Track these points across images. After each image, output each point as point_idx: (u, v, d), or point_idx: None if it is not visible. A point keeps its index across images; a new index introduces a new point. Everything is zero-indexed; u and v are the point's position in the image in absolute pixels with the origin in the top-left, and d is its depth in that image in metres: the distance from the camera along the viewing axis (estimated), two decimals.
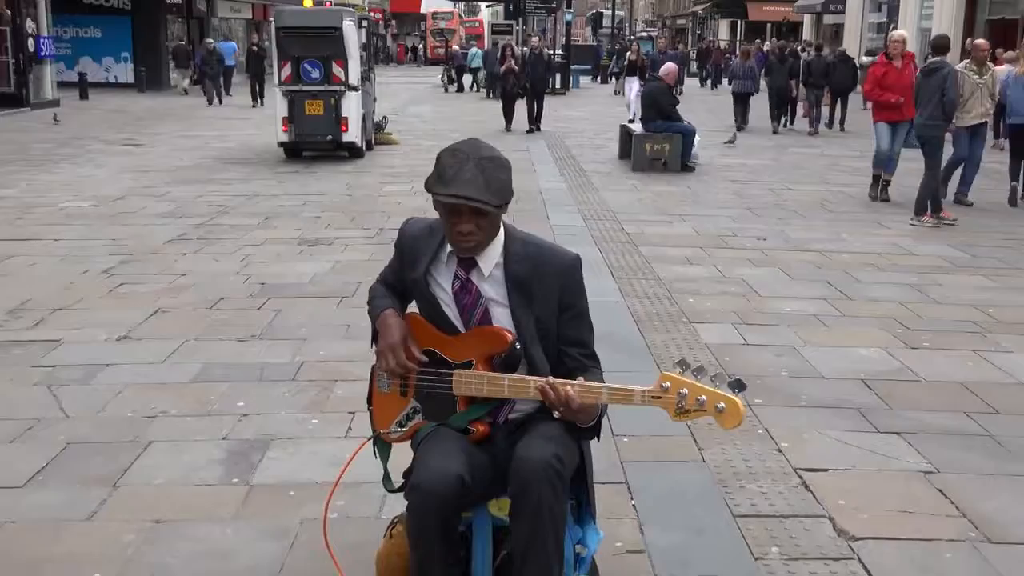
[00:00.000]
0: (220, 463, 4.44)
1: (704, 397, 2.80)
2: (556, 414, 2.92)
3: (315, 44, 15.28)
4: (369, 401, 3.29)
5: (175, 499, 4.09)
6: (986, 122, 12.29)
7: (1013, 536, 3.89)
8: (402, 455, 3.15)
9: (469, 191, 2.83)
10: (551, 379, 2.89)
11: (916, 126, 11.44)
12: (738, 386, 2.79)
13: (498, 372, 2.98)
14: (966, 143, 11.83)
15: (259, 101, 27.27)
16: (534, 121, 21.26)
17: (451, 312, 3.06)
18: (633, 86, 23.24)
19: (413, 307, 3.19)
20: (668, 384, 2.83)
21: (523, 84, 21.42)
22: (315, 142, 15.72)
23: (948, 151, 11.58)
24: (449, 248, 3.04)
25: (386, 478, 3.25)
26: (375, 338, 3.13)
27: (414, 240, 3.15)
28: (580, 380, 2.92)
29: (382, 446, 3.26)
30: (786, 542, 3.81)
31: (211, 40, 29.72)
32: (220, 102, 27.91)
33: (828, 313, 7.16)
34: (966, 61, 12.44)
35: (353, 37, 15.83)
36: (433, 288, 3.09)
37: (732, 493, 4.21)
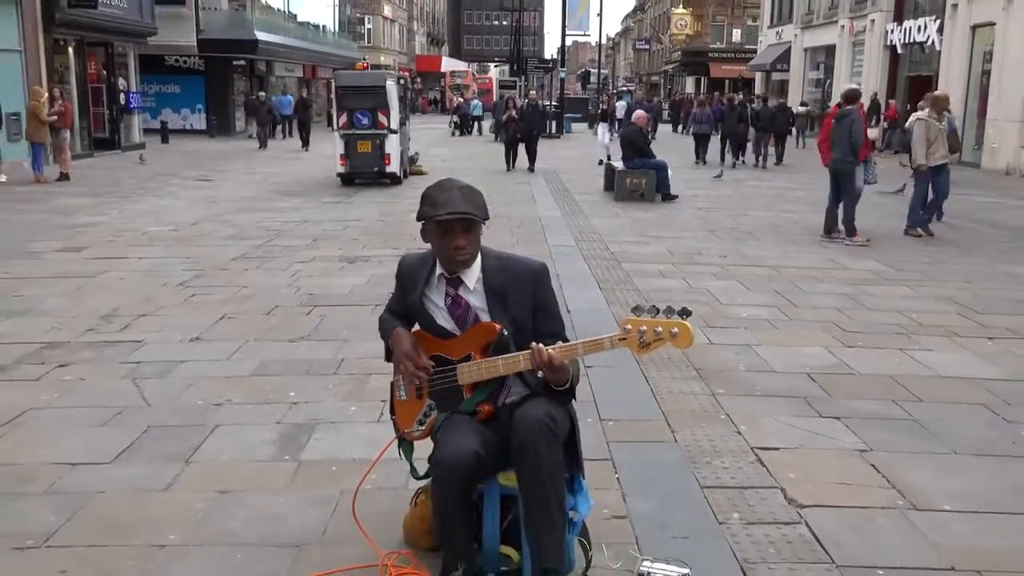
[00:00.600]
0: (274, 443, 4.41)
1: (660, 328, 2.83)
2: (540, 373, 2.96)
3: (365, 98, 16.45)
4: (392, 411, 3.31)
5: (237, 473, 4.06)
6: (947, 162, 11.55)
7: (934, 504, 3.84)
8: (423, 451, 3.14)
9: (460, 207, 2.92)
10: (535, 344, 2.91)
11: (832, 162, 11.02)
12: (685, 313, 2.84)
13: (491, 357, 3.01)
14: (934, 180, 11.28)
15: (307, 145, 26.72)
16: (531, 162, 20.77)
17: (446, 323, 3.11)
18: (605, 131, 22.88)
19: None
20: (629, 327, 2.87)
21: (522, 130, 20.81)
22: (365, 172, 16.69)
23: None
24: (439, 272, 3.10)
25: (412, 470, 3.29)
26: (389, 356, 3.21)
27: (411, 269, 3.22)
28: (558, 343, 2.97)
29: (406, 446, 3.29)
30: (745, 509, 3.76)
31: (263, 93, 29.20)
32: (266, 146, 26.56)
33: (778, 318, 7.11)
34: (927, 110, 11.57)
35: (393, 92, 16.82)
36: (428, 305, 3.14)
37: (699, 468, 4.16)
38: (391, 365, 3.24)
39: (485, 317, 3.06)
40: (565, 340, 3.09)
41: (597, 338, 2.97)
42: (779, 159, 23.04)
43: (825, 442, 4.53)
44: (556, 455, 2.89)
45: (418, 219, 3.04)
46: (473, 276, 3.08)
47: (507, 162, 20.87)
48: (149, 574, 3.22)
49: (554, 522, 2.87)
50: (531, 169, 20.30)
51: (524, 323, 3.06)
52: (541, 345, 2.90)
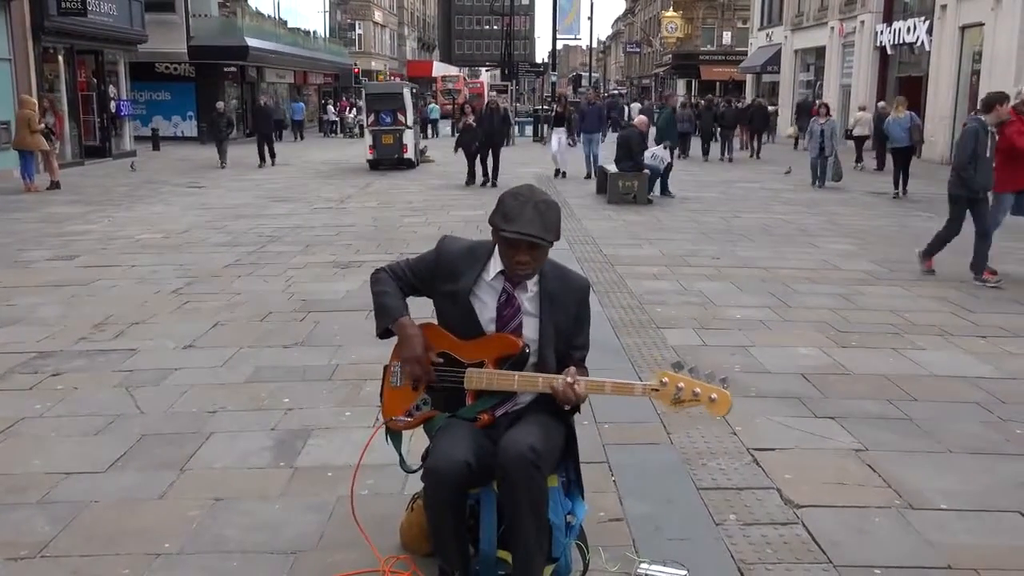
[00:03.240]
0: (269, 450, 4.40)
1: (699, 390, 2.85)
2: (560, 402, 2.92)
3: (388, 102, 21.48)
4: (380, 393, 3.24)
5: (232, 480, 4.05)
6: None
7: (930, 503, 3.85)
8: (419, 443, 3.11)
9: (530, 229, 2.83)
10: (568, 378, 2.87)
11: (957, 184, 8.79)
12: (727, 382, 2.88)
13: (506, 370, 2.96)
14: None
15: (269, 160, 22.86)
16: (490, 175, 18.03)
17: (488, 322, 3.02)
18: (561, 137, 20.77)
19: (415, 307, 3.15)
20: (666, 380, 2.87)
21: (480, 138, 18.10)
22: (388, 159, 21.47)
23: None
24: (497, 269, 3.01)
25: (401, 462, 3.25)
26: (384, 333, 3.09)
27: (455, 257, 3.08)
28: (586, 377, 2.95)
29: (394, 436, 3.24)
30: (741, 510, 3.76)
31: (221, 103, 24.00)
32: (223, 165, 22.04)
33: (772, 319, 7.12)
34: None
35: (408, 97, 21.82)
36: (474, 301, 3.03)
37: (695, 470, 4.17)
38: (388, 362, 3.19)
39: (532, 321, 3.02)
40: (587, 348, 3.14)
41: (628, 382, 3.01)
42: (755, 154, 26.04)
43: (820, 442, 4.53)
44: (538, 486, 2.85)
45: (489, 222, 2.95)
46: (533, 280, 3.04)
47: (469, 175, 18.29)
48: None
49: (531, 551, 2.85)
50: (493, 183, 17.75)
51: (565, 332, 3.06)
52: (565, 379, 2.87)
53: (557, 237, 2.92)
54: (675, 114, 18.39)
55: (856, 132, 22.45)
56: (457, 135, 19.20)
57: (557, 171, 19.97)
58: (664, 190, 16.21)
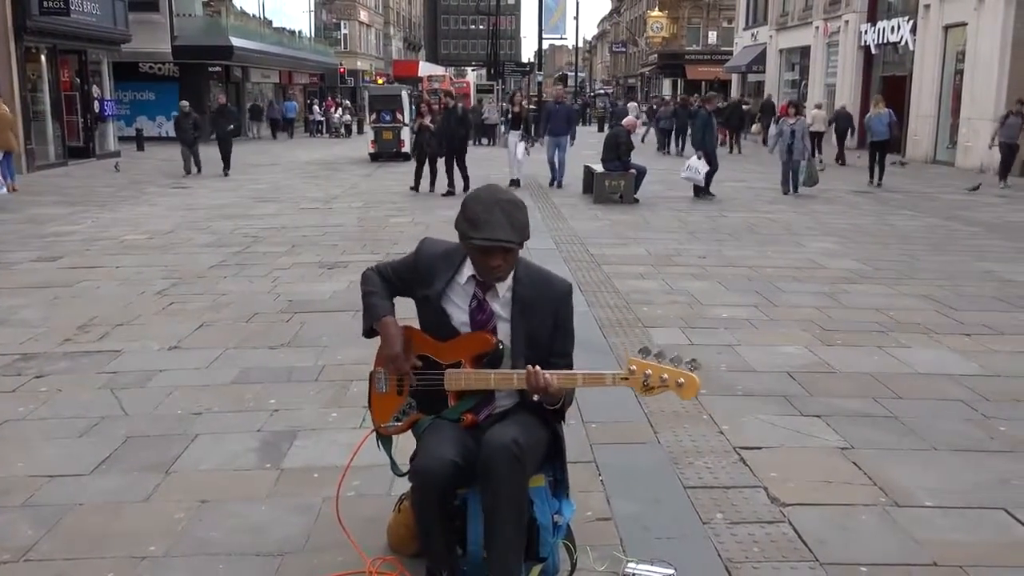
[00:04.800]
0: (255, 451, 4.38)
1: (666, 375, 2.82)
2: (536, 397, 2.91)
3: (387, 102, 24.42)
4: (368, 401, 3.25)
5: (218, 482, 4.03)
6: None
7: (916, 500, 3.86)
8: (406, 445, 3.11)
9: (500, 234, 2.80)
10: (532, 368, 2.86)
11: None
12: (694, 364, 2.83)
13: (483, 369, 2.96)
14: None
15: (228, 168, 20.04)
16: (453, 184, 15.83)
17: (462, 325, 3.02)
18: (519, 144, 17.64)
19: (401, 309, 3.14)
20: (634, 367, 2.85)
21: (431, 144, 16.06)
22: (387, 152, 23.96)
23: None
24: (468, 273, 3.00)
25: (392, 465, 3.24)
26: (368, 332, 3.10)
27: (432, 260, 3.08)
28: (558, 372, 2.92)
29: (384, 440, 3.24)
30: (728, 509, 3.77)
31: (186, 103, 20.99)
32: (193, 170, 20.08)
33: (758, 317, 7.14)
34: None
35: (405, 99, 24.85)
36: (447, 305, 3.03)
37: (682, 469, 4.17)
38: (372, 369, 3.19)
39: (505, 326, 2.99)
40: (570, 361, 3.08)
41: (599, 372, 2.97)
42: (733, 150, 27.49)
43: (806, 440, 4.55)
44: (518, 481, 2.84)
45: (456, 229, 2.90)
46: (505, 284, 3.00)
47: (416, 180, 16.38)
48: None
49: (508, 553, 2.84)
50: (465, 187, 15.63)
51: (541, 339, 3.00)
52: (538, 369, 2.85)
53: (527, 237, 2.90)
54: (711, 117, 16.11)
55: (812, 128, 22.75)
56: (414, 137, 16.58)
57: (513, 180, 17.08)
58: (704, 192, 15.51)
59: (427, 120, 16.73)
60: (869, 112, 19.36)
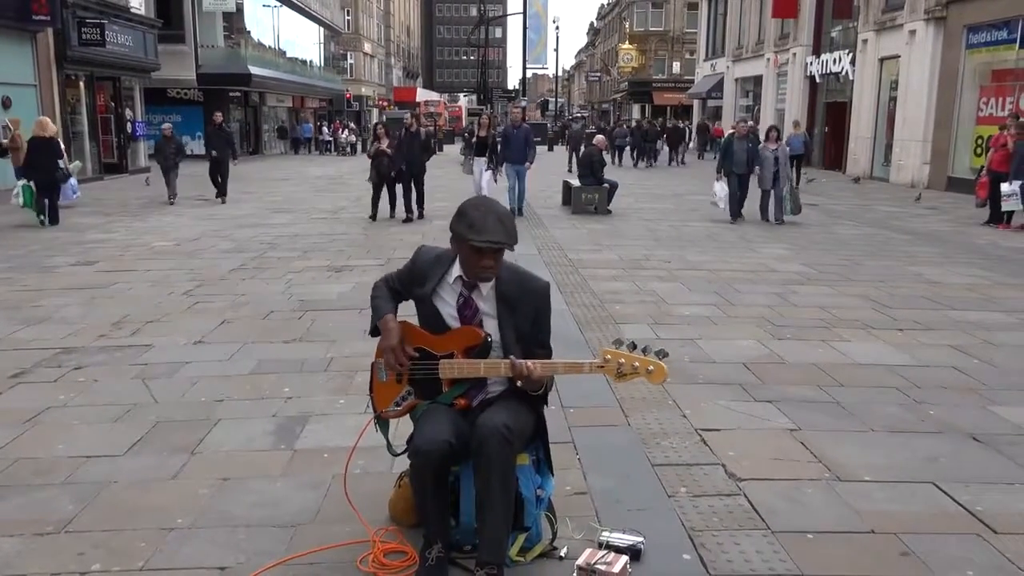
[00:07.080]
0: (271, 434, 4.36)
1: (637, 364, 2.82)
2: (519, 383, 2.92)
3: (399, 124, 19.54)
4: (370, 389, 3.25)
5: (238, 462, 4.00)
6: None
7: (856, 475, 3.88)
8: (403, 430, 3.10)
9: (497, 237, 2.83)
10: (514, 358, 2.87)
11: None
12: (662, 354, 2.84)
13: (473, 359, 2.97)
14: None
15: (223, 194, 16.74)
16: (411, 208, 13.71)
17: (452, 320, 3.03)
18: (484, 174, 14.60)
19: (403, 308, 3.14)
20: (609, 357, 2.85)
21: (386, 169, 13.65)
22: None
23: None
24: (456, 274, 3.01)
25: (388, 446, 3.25)
26: (374, 331, 3.12)
27: (426, 265, 3.10)
28: (540, 362, 2.92)
29: (382, 424, 3.25)
30: (691, 484, 3.78)
31: (169, 125, 17.36)
32: (172, 199, 16.58)
33: (717, 315, 7.16)
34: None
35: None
36: (438, 303, 3.05)
37: (650, 448, 4.18)
38: (375, 357, 3.18)
39: (491, 322, 3.00)
40: (549, 350, 3.09)
41: (578, 361, 2.98)
42: (674, 161, 31.83)
43: (759, 423, 4.56)
44: (508, 461, 2.83)
45: (453, 231, 2.90)
46: (488, 283, 3.00)
47: (373, 208, 13.92)
48: (159, 555, 3.16)
49: (498, 524, 2.82)
50: (420, 215, 13.86)
51: (524, 332, 3.02)
52: (522, 360, 2.86)
53: (516, 241, 2.94)
54: (732, 144, 13.85)
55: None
56: (371, 162, 14.01)
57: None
58: (737, 215, 14.01)
59: (383, 145, 13.80)
60: (789, 132, 21.47)
